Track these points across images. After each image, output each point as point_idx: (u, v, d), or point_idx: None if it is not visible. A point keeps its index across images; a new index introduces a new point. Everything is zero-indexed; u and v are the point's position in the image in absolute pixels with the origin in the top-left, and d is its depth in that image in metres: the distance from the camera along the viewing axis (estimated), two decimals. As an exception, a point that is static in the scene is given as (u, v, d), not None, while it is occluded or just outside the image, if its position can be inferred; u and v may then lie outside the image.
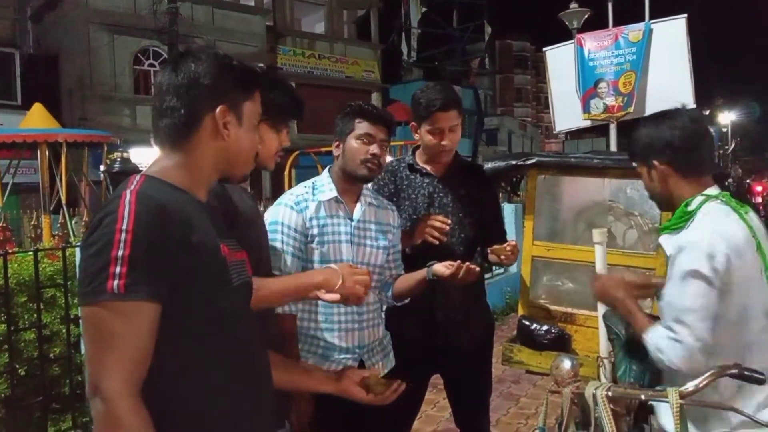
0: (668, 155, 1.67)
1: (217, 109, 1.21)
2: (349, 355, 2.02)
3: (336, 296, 1.55)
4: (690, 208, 1.65)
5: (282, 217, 2.00)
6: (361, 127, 2.05)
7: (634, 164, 1.82)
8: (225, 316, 1.18)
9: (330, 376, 1.55)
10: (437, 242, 2.22)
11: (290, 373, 1.51)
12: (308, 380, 1.55)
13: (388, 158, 2.37)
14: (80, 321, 1.06)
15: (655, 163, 1.69)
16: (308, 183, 2.12)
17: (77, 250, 2.94)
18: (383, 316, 2.25)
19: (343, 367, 1.75)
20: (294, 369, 1.57)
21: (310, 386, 1.57)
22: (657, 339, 1.59)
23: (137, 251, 1.04)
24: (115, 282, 1.02)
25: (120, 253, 1.03)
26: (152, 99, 1.26)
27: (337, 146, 2.09)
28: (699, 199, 1.65)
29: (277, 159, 1.84)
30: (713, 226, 1.58)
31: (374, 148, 2.04)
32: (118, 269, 1.02)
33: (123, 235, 1.04)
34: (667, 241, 1.70)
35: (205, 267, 1.13)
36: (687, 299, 1.54)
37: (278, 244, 1.96)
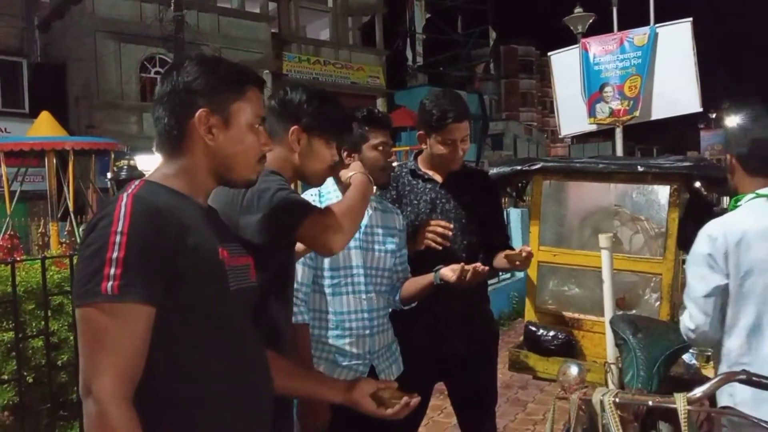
0: (737, 151, 1.81)
1: (197, 113, 1.19)
2: (360, 361, 2.03)
3: None
4: (739, 204, 1.80)
5: None
6: (377, 135, 2.07)
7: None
8: (220, 320, 1.17)
9: (341, 386, 1.50)
10: (440, 248, 2.21)
11: (302, 380, 1.49)
12: (319, 389, 1.52)
13: (394, 163, 2.38)
14: (79, 323, 1.07)
15: (728, 156, 1.86)
16: (314, 190, 2.12)
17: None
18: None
19: (357, 377, 1.73)
20: (306, 377, 1.54)
21: (320, 395, 1.54)
22: (681, 317, 1.84)
23: (132, 253, 1.04)
24: (110, 283, 1.03)
25: (115, 255, 1.03)
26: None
27: (349, 155, 2.06)
28: (749, 196, 1.78)
29: (329, 174, 1.83)
30: (729, 216, 1.78)
31: (391, 157, 2.07)
32: (112, 271, 1.03)
33: (118, 237, 1.04)
34: None
35: (200, 270, 1.13)
36: (692, 278, 1.78)
37: None
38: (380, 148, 2.06)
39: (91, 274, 1.04)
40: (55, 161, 9.68)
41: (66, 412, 3.04)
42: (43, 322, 2.83)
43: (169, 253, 1.08)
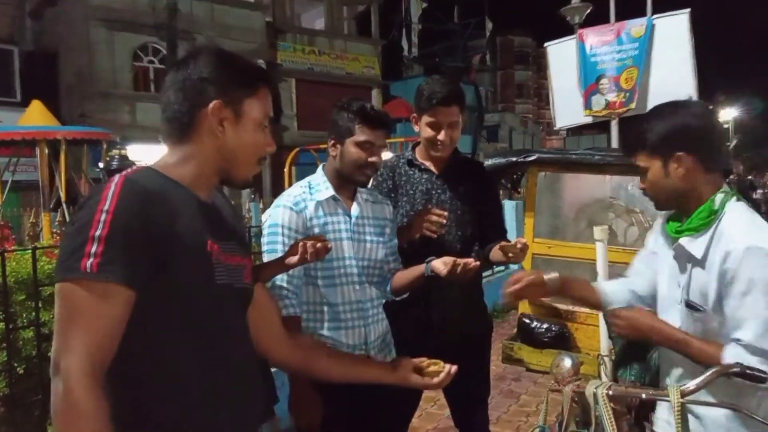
0: (695, 145, 1.55)
1: (211, 105, 1.19)
2: (356, 352, 2.02)
3: None
4: (715, 207, 1.56)
5: (282, 219, 1.98)
6: (362, 133, 2.02)
7: (638, 160, 1.65)
8: (201, 312, 1.16)
9: (387, 367, 1.56)
10: (435, 235, 2.20)
11: (349, 365, 1.56)
12: (369, 372, 1.56)
13: (389, 154, 2.36)
14: (57, 298, 1.07)
15: (681, 154, 1.56)
16: (304, 183, 2.10)
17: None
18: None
19: (396, 357, 1.75)
20: (353, 361, 1.63)
21: (371, 377, 1.56)
22: (749, 362, 1.46)
23: (115, 232, 1.03)
24: (90, 261, 1.02)
25: (98, 233, 1.03)
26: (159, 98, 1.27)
27: (334, 146, 2.07)
28: (720, 196, 1.57)
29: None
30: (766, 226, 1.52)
31: (374, 158, 2.03)
32: (93, 248, 1.02)
33: (103, 216, 1.04)
34: (692, 244, 1.58)
35: (184, 259, 1.12)
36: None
37: (280, 247, 1.94)
38: (363, 146, 2.02)
39: (73, 250, 1.04)
40: (47, 151, 9.61)
41: (57, 404, 3.03)
42: (33, 313, 2.81)
43: (153, 236, 1.07)
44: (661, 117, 1.61)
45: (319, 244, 1.79)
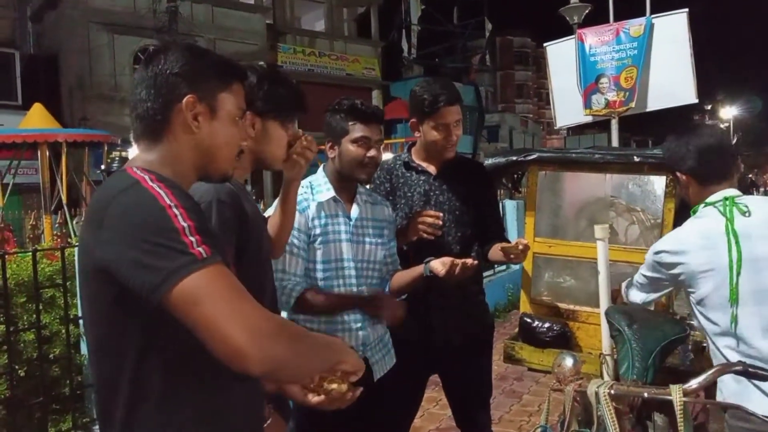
0: (689, 166, 1.88)
1: (184, 99, 1.16)
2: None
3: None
4: (694, 214, 1.89)
5: None
6: (356, 129, 2.02)
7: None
8: None
9: None
10: (432, 237, 2.20)
11: None
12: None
13: (387, 155, 2.35)
14: (187, 298, 0.97)
15: (678, 174, 1.93)
16: (305, 183, 2.10)
17: (76, 250, 2.92)
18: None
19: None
20: None
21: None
22: (631, 280, 2.13)
23: (196, 220, 1.02)
24: (200, 248, 0.99)
25: (185, 224, 1.00)
26: (130, 97, 1.23)
27: (331, 147, 2.07)
28: (701, 206, 1.86)
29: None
30: (678, 230, 1.90)
31: (372, 152, 2.02)
32: (192, 238, 0.99)
33: (175, 210, 1.01)
34: None
35: (224, 254, 1.11)
36: (644, 269, 2.00)
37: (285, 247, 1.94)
38: (360, 143, 2.01)
39: (170, 249, 0.98)
40: (48, 154, 9.62)
41: (58, 405, 3.03)
42: (34, 315, 2.82)
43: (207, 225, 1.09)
44: (668, 142, 1.98)
45: (304, 142, 1.72)
